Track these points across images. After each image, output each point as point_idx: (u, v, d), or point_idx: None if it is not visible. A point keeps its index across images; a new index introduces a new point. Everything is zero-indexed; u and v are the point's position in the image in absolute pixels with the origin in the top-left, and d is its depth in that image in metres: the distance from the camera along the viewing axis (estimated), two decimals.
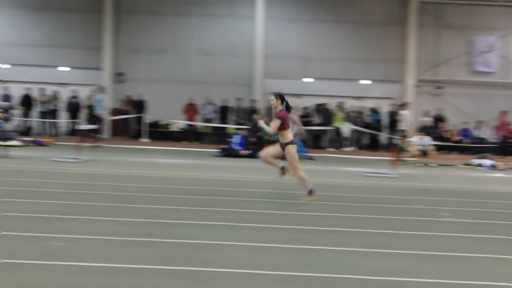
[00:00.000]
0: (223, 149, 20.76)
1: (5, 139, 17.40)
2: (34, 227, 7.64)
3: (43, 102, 26.92)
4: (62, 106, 27.07)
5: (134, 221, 8.36)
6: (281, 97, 10.73)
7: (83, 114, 23.22)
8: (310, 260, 6.63)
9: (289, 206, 10.26)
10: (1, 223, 7.90)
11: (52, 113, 26.90)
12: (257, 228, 8.26)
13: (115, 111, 26.91)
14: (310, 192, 10.82)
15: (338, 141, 26.10)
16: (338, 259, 6.80)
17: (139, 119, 26.53)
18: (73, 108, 26.61)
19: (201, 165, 17.36)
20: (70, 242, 7.01)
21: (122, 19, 28.48)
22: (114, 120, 26.48)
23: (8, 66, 28.47)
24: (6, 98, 24.80)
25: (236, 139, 21.02)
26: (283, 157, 10.87)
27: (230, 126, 25.57)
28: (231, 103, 27.09)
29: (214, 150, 21.31)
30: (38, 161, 16.02)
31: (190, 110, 27.09)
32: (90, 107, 23.03)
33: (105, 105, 24.33)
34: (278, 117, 10.55)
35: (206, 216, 8.89)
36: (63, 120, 27.05)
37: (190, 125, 27.09)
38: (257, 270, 6.10)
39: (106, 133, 26.07)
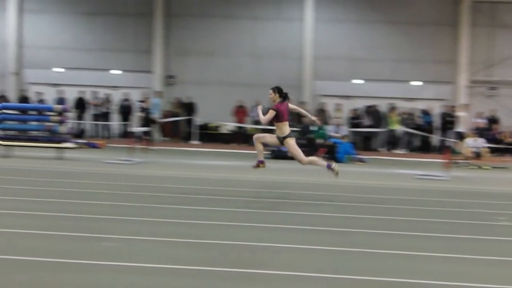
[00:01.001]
0: (272, 151, 20.74)
1: (59, 142, 17.76)
2: (87, 228, 7.76)
3: (96, 105, 27.40)
4: (114, 108, 27.50)
5: (189, 222, 8.42)
6: (279, 90, 10.74)
7: (139, 116, 23.43)
8: (373, 264, 6.55)
9: (348, 209, 10.17)
10: (56, 223, 8.06)
11: (105, 116, 27.34)
12: (318, 231, 8.19)
13: (166, 114, 27.18)
14: (329, 166, 10.84)
15: (392, 143, 25.79)
16: (399, 263, 6.71)
17: (189, 121, 26.75)
18: (125, 111, 27.03)
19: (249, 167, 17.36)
20: (124, 243, 7.09)
21: (172, 22, 28.77)
22: (164, 122, 26.75)
23: (62, 70, 29.07)
24: (61, 101, 25.30)
25: None
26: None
27: None
28: None
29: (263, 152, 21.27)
30: (92, 163, 16.30)
31: (240, 112, 27.18)
32: (146, 110, 23.26)
33: (161, 108, 24.66)
34: (273, 109, 10.53)
35: (262, 218, 8.90)
36: (115, 122, 27.47)
37: (239, 127, 27.18)
38: (318, 274, 6.03)
39: (157, 135, 26.35)
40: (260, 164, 11.02)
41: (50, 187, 11.37)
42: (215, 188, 12.08)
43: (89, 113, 27.47)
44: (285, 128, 10.69)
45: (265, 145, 11.18)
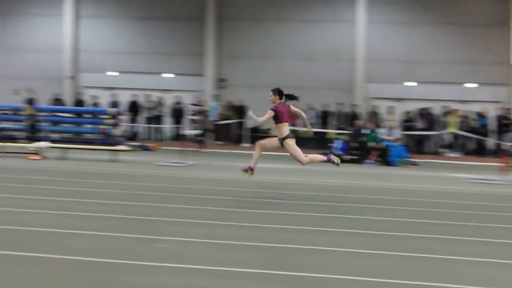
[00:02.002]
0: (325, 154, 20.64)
1: (113, 144, 18.08)
2: (143, 229, 7.87)
3: (148, 108, 27.76)
4: (166, 111, 27.82)
5: (241, 225, 8.45)
6: (278, 92, 10.99)
7: (194, 119, 23.61)
8: (423, 269, 6.47)
9: (398, 213, 10.07)
10: (112, 224, 8.19)
11: (157, 119, 27.68)
12: (366, 235, 8.14)
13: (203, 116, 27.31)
14: (329, 159, 10.97)
15: (451, 146, 25.37)
16: (451, 268, 6.60)
17: (240, 124, 26.86)
18: (177, 114, 27.33)
19: (302, 170, 17.32)
20: (178, 245, 7.17)
21: (224, 26, 28.95)
22: (216, 125, 26.91)
23: (116, 73, 29.57)
24: (114, 104, 25.72)
25: (337, 144, 20.88)
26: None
27: (331, 131, 25.40)
28: (332, 108, 26.93)
29: None
30: (145, 165, 16.52)
31: (293, 114, 27.07)
32: (204, 113, 23.44)
33: (218, 112, 24.87)
34: (271, 109, 10.71)
35: (312, 221, 8.87)
36: (167, 125, 27.78)
37: (292, 130, 27.08)
38: (364, 277, 6.01)
39: (209, 138, 26.52)
40: (249, 170, 11.08)
41: (105, 189, 11.57)
42: (265, 191, 12.09)
43: (142, 116, 27.84)
44: (284, 129, 10.83)
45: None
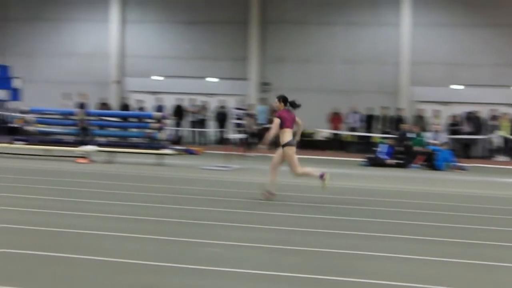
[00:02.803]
0: (370, 158, 20.50)
1: (158, 148, 18.26)
2: (192, 233, 7.92)
3: (193, 112, 27.95)
4: (210, 115, 27.97)
5: (290, 229, 8.43)
6: (283, 99, 11.15)
7: (238, 123, 23.66)
8: (473, 276, 6.37)
9: (448, 218, 9.92)
10: (160, 228, 8.26)
11: (201, 123, 27.85)
12: (415, 241, 8.04)
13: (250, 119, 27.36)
14: (321, 176, 10.85)
15: (499, 150, 24.91)
16: (500, 276, 6.49)
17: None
18: (221, 118, 27.47)
19: (347, 174, 17.24)
20: (228, 249, 7.19)
21: (268, 29, 28.99)
22: (262, 129, 26.90)
23: (161, 78, 29.87)
24: (159, 108, 25.97)
25: (382, 148, 20.68)
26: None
27: (376, 135, 25.20)
28: (377, 112, 26.70)
29: (359, 159, 21.11)
30: (190, 169, 16.63)
31: (335, 119, 27.03)
32: (252, 116, 23.51)
33: (266, 116, 24.96)
34: (276, 116, 10.88)
35: (360, 226, 8.81)
36: (211, 129, 27.93)
37: (335, 134, 27.04)
38: (415, 284, 5.93)
39: (256, 142, 26.54)
40: (270, 195, 11.04)
41: (152, 192, 11.67)
42: (311, 195, 12.04)
43: (186, 120, 28.05)
44: (286, 135, 10.84)
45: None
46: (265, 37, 28.98)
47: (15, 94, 23.66)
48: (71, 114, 19.86)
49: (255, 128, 23.43)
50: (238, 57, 29.07)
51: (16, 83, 23.70)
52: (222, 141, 26.67)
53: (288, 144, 10.84)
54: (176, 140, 26.39)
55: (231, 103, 27.12)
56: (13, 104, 26.39)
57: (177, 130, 27.61)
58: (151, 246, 7.19)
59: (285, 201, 11.06)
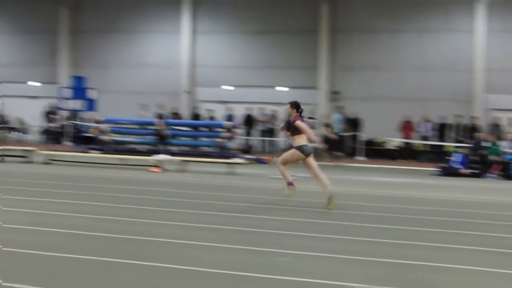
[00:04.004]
0: (443, 168, 20.07)
1: (229, 157, 18.39)
2: (262, 242, 7.92)
3: (263, 122, 28.06)
4: (280, 124, 27.94)
5: (360, 239, 8.34)
6: (296, 105, 11.44)
7: (322, 133, 23.61)
8: None
9: None
10: (231, 236, 8.30)
11: (271, 132, 27.92)
12: (489, 252, 7.82)
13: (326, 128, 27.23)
14: (290, 184, 11.17)
15: None
16: None
17: (354, 137, 26.60)
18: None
19: (420, 184, 16.94)
20: (297, 258, 7.16)
21: (338, 38, 28.85)
22: (324, 138, 26.78)
23: (231, 87, 30.14)
24: (230, 118, 26.18)
25: (456, 157, 20.21)
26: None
27: (449, 144, 24.64)
28: (450, 120, 26.13)
29: (432, 168, 20.69)
30: (261, 178, 16.68)
31: (406, 127, 26.62)
32: (328, 125, 23.47)
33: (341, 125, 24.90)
34: (299, 120, 11.08)
35: (431, 237, 8.62)
36: (281, 138, 27.92)
37: (406, 143, 26.61)
38: None
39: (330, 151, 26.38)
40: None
41: (223, 201, 11.75)
42: (379, 205, 11.90)
43: (256, 129, 28.18)
44: (300, 139, 11.07)
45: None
46: (335, 46, 28.85)
47: (91, 105, 24.30)
48: (149, 124, 20.30)
49: (332, 137, 23.26)
50: (307, 66, 29.04)
51: (91, 94, 24.35)
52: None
53: (298, 148, 11.06)
54: (246, 149, 26.53)
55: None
56: (88, 114, 27.14)
57: (247, 139, 27.75)
58: (221, 255, 7.23)
59: (354, 211, 10.95)
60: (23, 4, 32.72)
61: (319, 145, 11.36)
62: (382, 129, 26.76)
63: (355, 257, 7.26)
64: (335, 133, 23.63)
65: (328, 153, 21.98)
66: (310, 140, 11.27)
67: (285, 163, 11.34)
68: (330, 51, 28.77)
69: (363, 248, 7.79)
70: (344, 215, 10.52)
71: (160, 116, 19.94)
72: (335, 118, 24.80)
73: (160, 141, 19.64)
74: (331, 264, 6.96)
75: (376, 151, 26.75)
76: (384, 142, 27.20)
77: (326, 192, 11.09)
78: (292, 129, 11.15)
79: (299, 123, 11.06)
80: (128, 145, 22.18)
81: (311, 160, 11.18)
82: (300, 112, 11.42)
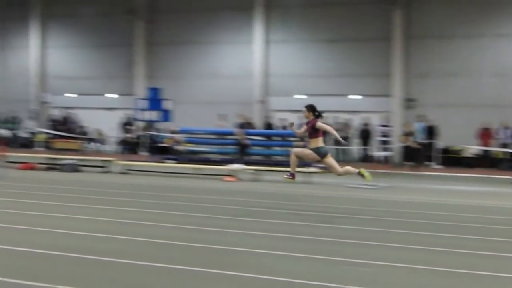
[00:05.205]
0: None
1: (303, 166, 18.33)
2: (343, 252, 7.85)
3: (336, 130, 27.81)
4: (354, 133, 27.76)
5: (437, 250, 8.16)
6: (312, 108, 11.85)
7: (404, 141, 23.32)
8: None
9: None
10: (310, 246, 8.25)
11: (345, 140, 27.62)
12: None
13: (402, 137, 26.79)
14: (292, 175, 11.82)
15: None
16: None
17: (430, 145, 26.06)
18: (365, 135, 27.18)
19: (499, 193, 16.45)
20: (380, 269, 7.05)
21: (412, 44, 28.38)
22: (405, 147, 26.37)
23: (304, 96, 30.06)
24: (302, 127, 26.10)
25: None
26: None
27: None
28: None
29: None
30: (336, 187, 16.58)
31: (484, 134, 25.89)
32: (409, 134, 23.18)
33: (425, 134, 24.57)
34: (317, 123, 11.52)
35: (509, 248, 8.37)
36: (355, 147, 27.70)
37: (484, 151, 25.89)
38: None
39: (399, 159, 26.00)
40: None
41: (299, 211, 11.73)
42: (457, 214, 11.62)
43: (330, 138, 27.98)
44: (318, 143, 11.54)
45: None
46: (409, 52, 28.39)
47: (166, 115, 24.74)
48: (226, 134, 20.54)
49: (413, 145, 22.88)
50: (381, 74, 28.68)
51: (166, 105, 24.79)
52: (366, 159, 26.38)
53: (316, 150, 11.46)
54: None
55: (374, 120, 26.76)
56: (163, 125, 27.63)
57: None
58: (299, 264, 7.20)
59: (431, 220, 10.72)
60: (101, 19, 33.66)
61: (341, 142, 11.62)
62: (459, 136, 26.12)
63: (435, 268, 7.10)
64: (417, 142, 23.19)
65: (407, 162, 21.65)
66: (335, 139, 12.00)
67: (299, 157, 11.83)
68: (404, 57, 28.33)
69: (441, 259, 7.61)
70: (419, 224, 10.34)
71: (241, 126, 20.23)
72: (418, 127, 24.38)
73: (241, 150, 19.88)
74: (409, 276, 6.83)
75: (453, 159, 26.12)
76: (461, 150, 26.53)
77: (355, 172, 11.70)
78: (311, 131, 11.55)
79: (321, 124, 11.50)
80: (202, 155, 22.47)
81: (329, 159, 11.59)
82: (317, 115, 11.73)
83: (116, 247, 8.03)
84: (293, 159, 11.86)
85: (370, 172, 12.01)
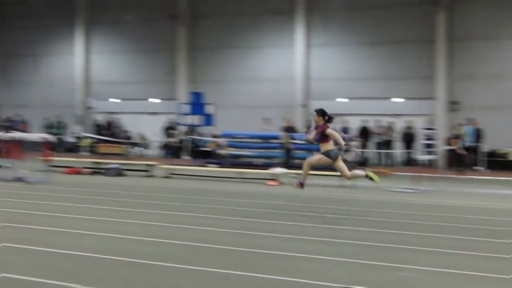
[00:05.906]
0: None
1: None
2: (381, 256, 7.81)
3: (378, 134, 27.69)
4: (397, 136, 27.52)
5: (483, 255, 8.05)
6: (322, 113, 11.81)
7: (453, 144, 23.05)
8: None
9: None
10: (347, 250, 8.22)
11: (387, 144, 27.48)
12: None
13: (450, 141, 26.43)
14: (300, 184, 12.10)
15: None
16: None
17: (475, 149, 25.66)
18: (408, 139, 26.93)
19: None
20: (420, 273, 6.99)
21: (455, 46, 28.01)
22: (449, 150, 26.03)
23: (346, 100, 29.95)
24: (345, 130, 26.01)
25: None
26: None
27: None
28: None
29: None
30: (377, 191, 16.43)
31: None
32: (458, 138, 22.95)
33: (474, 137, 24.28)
34: (328, 127, 11.53)
35: None
36: (398, 150, 27.45)
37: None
38: None
39: (441, 163, 25.68)
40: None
41: (340, 215, 11.70)
42: (501, 219, 11.42)
43: (372, 142, 27.83)
44: (325, 146, 11.54)
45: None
46: (453, 54, 28.03)
47: (208, 119, 24.87)
48: (270, 137, 20.59)
49: (459, 150, 22.59)
50: (424, 76, 28.39)
51: (208, 109, 24.94)
52: (410, 162, 26.10)
53: (327, 154, 11.51)
54: (362, 162, 26.23)
55: (418, 123, 26.50)
56: (206, 129, 27.80)
57: (363, 152, 27.44)
58: (338, 268, 7.19)
59: (475, 225, 10.57)
60: (143, 25, 34.08)
61: (353, 149, 11.97)
62: (505, 139, 25.69)
63: (479, 273, 7.01)
64: (464, 146, 22.85)
65: (452, 166, 21.40)
66: (338, 145, 11.71)
67: (311, 165, 11.90)
68: (447, 60, 27.98)
69: (481, 265, 7.50)
70: (460, 229, 10.23)
71: (287, 130, 20.33)
72: (467, 130, 24.05)
73: (286, 154, 19.97)
74: (459, 282, 6.75)
75: (499, 163, 25.68)
76: (507, 153, 26.06)
77: (363, 175, 11.92)
78: (321, 136, 11.55)
79: (330, 131, 11.47)
80: (245, 159, 22.55)
81: (339, 162, 11.61)
82: (327, 120, 11.73)
83: (163, 250, 8.10)
84: (305, 169, 11.96)
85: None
